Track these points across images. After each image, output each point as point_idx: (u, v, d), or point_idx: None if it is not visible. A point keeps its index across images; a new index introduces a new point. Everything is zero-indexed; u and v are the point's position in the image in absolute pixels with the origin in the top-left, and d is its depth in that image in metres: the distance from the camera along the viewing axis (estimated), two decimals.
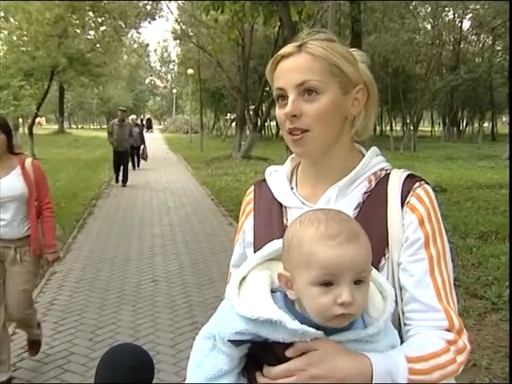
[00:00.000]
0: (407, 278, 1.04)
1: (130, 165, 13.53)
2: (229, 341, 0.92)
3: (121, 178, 12.57)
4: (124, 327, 4.07)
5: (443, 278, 1.04)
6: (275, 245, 1.03)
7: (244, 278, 1.00)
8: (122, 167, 12.51)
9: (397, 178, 1.10)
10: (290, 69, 1.07)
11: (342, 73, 1.07)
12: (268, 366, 0.93)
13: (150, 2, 23.18)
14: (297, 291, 0.92)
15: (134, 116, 17.06)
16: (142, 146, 15.57)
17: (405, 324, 1.04)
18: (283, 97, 1.09)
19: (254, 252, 1.16)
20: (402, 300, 1.05)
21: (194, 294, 4.85)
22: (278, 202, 1.18)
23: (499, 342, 3.64)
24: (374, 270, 1.00)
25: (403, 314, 1.05)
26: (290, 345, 0.90)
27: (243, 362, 0.97)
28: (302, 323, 0.89)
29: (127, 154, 12.89)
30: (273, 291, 0.96)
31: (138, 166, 16.06)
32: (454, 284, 1.07)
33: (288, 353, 0.91)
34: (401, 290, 1.05)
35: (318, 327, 0.90)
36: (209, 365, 0.96)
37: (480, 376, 3.22)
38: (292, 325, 0.88)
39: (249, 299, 0.94)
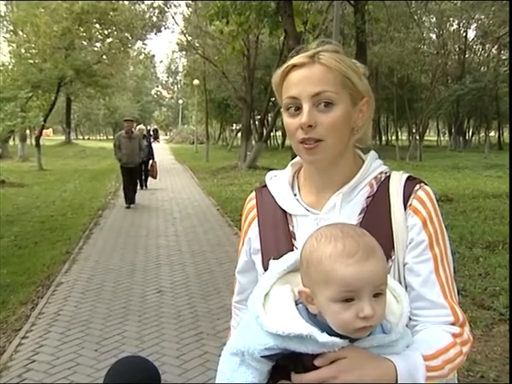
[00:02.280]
0: (413, 278, 1.08)
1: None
2: (262, 357, 0.94)
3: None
4: (129, 338, 4.06)
5: (446, 274, 1.09)
6: (291, 258, 1.04)
7: (267, 294, 1.01)
8: (135, 183, 11.09)
9: (397, 180, 1.14)
10: (305, 78, 1.08)
11: (353, 85, 1.09)
12: (297, 374, 0.95)
13: (156, 13, 23.39)
14: (318, 306, 0.95)
15: (142, 126, 15.19)
16: (150, 161, 13.47)
17: (410, 319, 1.07)
18: (295, 106, 1.09)
19: (262, 259, 1.18)
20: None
21: (200, 305, 4.84)
22: (281, 208, 1.19)
23: (508, 354, 3.58)
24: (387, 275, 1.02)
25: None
26: (317, 354, 0.93)
27: (270, 374, 1.00)
28: (328, 333, 0.92)
29: (138, 170, 11.43)
30: (296, 304, 0.99)
31: (146, 185, 13.78)
32: (460, 293, 1.09)
33: (318, 362, 0.93)
34: (406, 288, 1.08)
35: (341, 335, 0.93)
36: (239, 379, 0.98)
37: None
38: (323, 338, 0.91)
39: (276, 315, 0.96)
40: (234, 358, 1.00)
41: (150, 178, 13.84)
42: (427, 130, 39.51)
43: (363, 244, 0.93)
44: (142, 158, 11.83)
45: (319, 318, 0.95)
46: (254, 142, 21.65)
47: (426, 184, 1.14)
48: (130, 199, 10.87)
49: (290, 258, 1.05)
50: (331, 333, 0.92)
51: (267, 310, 0.97)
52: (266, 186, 1.25)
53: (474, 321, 4.06)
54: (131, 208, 10.80)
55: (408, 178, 1.14)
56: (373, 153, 1.20)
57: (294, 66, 1.10)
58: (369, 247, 0.93)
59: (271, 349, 0.93)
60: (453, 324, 1.06)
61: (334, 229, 0.97)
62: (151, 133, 38.59)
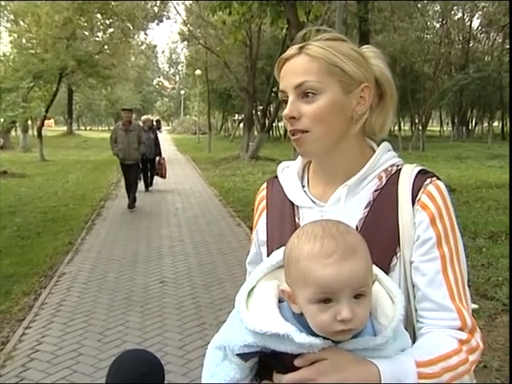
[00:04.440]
0: (419, 277, 1.03)
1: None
2: (237, 355, 0.93)
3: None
4: (132, 328, 4.07)
5: (456, 276, 1.03)
6: (282, 253, 1.01)
7: (252, 289, 0.98)
8: (132, 184, 9.73)
9: (408, 174, 1.08)
10: (290, 71, 1.07)
11: (343, 72, 1.05)
12: (278, 374, 0.93)
13: (158, 4, 23.29)
14: (299, 306, 0.92)
15: (147, 116, 13.25)
16: (157, 158, 11.87)
17: (417, 321, 1.04)
18: (286, 99, 1.09)
19: (267, 251, 1.16)
20: (414, 297, 1.04)
21: (202, 295, 4.85)
22: (289, 200, 1.17)
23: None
24: (384, 275, 0.98)
25: (416, 311, 1.04)
26: (298, 354, 0.90)
27: (255, 369, 0.98)
28: (310, 333, 0.89)
29: (138, 168, 10.15)
30: (281, 301, 0.96)
31: (151, 184, 12.14)
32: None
33: (297, 363, 0.90)
34: (413, 287, 1.04)
35: (325, 336, 0.90)
36: (221, 373, 0.97)
37: (491, 378, 3.17)
38: (299, 338, 0.88)
39: (257, 312, 0.93)
40: (217, 351, 0.99)
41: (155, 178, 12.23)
42: (430, 120, 39.36)
43: (343, 244, 0.88)
44: (146, 155, 10.47)
45: (304, 317, 0.92)
46: (256, 133, 21.61)
47: (438, 178, 1.07)
48: (133, 201, 9.63)
49: (280, 254, 1.00)
50: (314, 333, 0.89)
51: (250, 306, 0.95)
52: (277, 177, 1.23)
53: (476, 311, 4.06)
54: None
55: (419, 172, 1.08)
56: (385, 144, 1.15)
57: (286, 60, 1.10)
58: (349, 247, 0.88)
59: (250, 346, 0.91)
60: (460, 329, 1.00)
61: (317, 226, 0.92)
62: (154, 123, 38.36)
